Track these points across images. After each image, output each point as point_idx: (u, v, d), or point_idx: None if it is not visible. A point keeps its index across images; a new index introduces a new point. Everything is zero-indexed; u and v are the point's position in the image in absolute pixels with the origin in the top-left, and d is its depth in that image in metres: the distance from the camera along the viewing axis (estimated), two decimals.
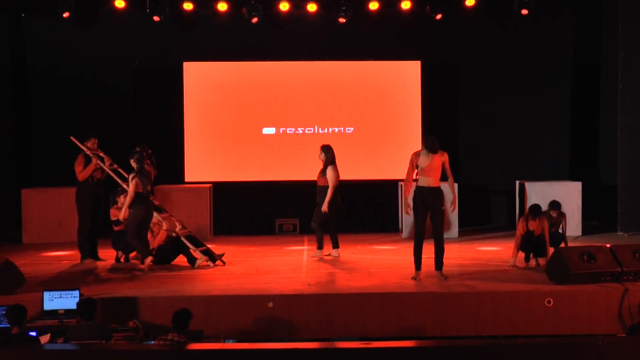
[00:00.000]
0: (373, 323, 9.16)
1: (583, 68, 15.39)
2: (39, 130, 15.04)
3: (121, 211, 11.00)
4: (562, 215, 11.32)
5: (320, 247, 11.90)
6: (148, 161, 11.98)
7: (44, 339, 8.14)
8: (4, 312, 8.33)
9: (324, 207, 11.63)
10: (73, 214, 11.88)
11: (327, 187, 11.66)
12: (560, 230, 11.31)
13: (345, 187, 15.00)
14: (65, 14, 14.10)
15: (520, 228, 10.85)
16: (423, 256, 10.20)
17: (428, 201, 10.08)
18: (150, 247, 11.32)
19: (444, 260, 10.29)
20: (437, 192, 10.10)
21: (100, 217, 11.70)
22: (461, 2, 14.51)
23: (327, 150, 11.82)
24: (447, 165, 10.15)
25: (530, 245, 10.86)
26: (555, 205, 11.31)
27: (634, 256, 9.69)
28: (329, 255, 11.92)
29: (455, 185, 10.64)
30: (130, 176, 10.75)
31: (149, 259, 10.82)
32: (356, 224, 14.96)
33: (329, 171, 11.67)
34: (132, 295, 9.25)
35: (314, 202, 15.19)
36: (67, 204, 13.20)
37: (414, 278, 10.07)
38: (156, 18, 14.17)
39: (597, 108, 15.26)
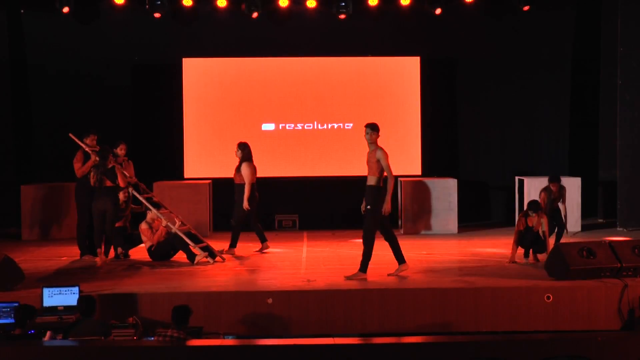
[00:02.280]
0: (373, 319, 9.15)
1: (582, 63, 15.38)
2: (38, 126, 15.03)
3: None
4: (562, 189, 11.40)
5: (233, 246, 11.86)
6: (126, 159, 11.95)
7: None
8: (6, 309, 8.36)
9: (245, 205, 11.56)
10: (72, 210, 11.90)
11: (243, 184, 11.61)
12: (560, 205, 11.43)
13: (344, 183, 15.08)
14: (65, 9, 14.07)
15: (519, 224, 10.86)
16: (422, 252, 10.18)
17: (364, 198, 9.94)
18: (150, 244, 11.34)
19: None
20: (367, 189, 9.85)
21: None
22: None
23: (243, 147, 11.77)
24: (383, 162, 9.76)
25: (529, 241, 10.86)
26: (554, 178, 11.38)
27: (633, 252, 9.67)
28: (260, 251, 11.92)
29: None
30: None
31: (103, 257, 11.15)
32: (355, 220, 14.89)
33: (244, 168, 11.63)
34: (131, 291, 9.24)
35: (314, 198, 15.23)
36: (66, 200, 13.22)
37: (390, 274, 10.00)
38: (157, 13, 14.15)
39: (597, 103, 15.25)
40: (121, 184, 11.19)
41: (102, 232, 11.12)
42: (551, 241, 10.84)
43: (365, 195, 9.88)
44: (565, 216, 11.63)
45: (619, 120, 14.20)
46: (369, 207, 9.78)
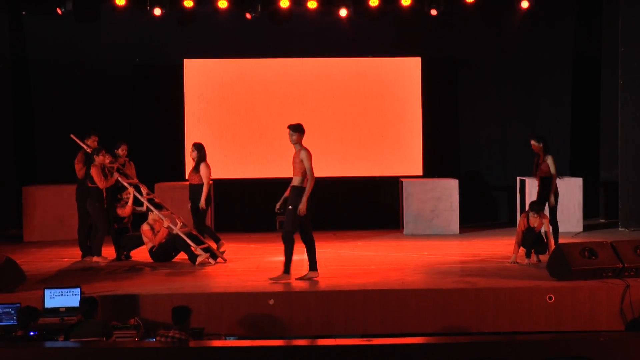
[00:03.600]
0: (374, 320, 9.15)
1: (583, 63, 15.36)
2: (40, 127, 15.03)
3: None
4: (547, 154, 11.43)
5: (217, 240, 11.82)
6: (127, 159, 11.99)
7: None
8: (8, 310, 8.37)
9: (202, 204, 11.50)
10: (74, 211, 11.89)
11: (200, 184, 11.55)
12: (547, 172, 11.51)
13: (345, 184, 15.10)
14: (59, 11, 14.06)
15: (521, 224, 10.85)
16: (424, 252, 10.17)
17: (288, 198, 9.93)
18: (152, 245, 11.34)
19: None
20: (291, 190, 9.85)
21: None
22: None
23: (199, 148, 11.73)
24: (306, 163, 9.72)
25: (531, 241, 10.85)
26: (532, 135, 11.66)
27: (635, 252, 9.66)
28: (218, 249, 11.65)
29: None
30: None
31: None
32: (357, 221, 14.95)
33: (203, 168, 11.61)
34: (133, 292, 9.24)
35: (315, 199, 15.20)
36: (68, 201, 13.17)
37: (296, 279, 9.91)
38: (158, 13, 14.16)
39: (598, 103, 15.24)
40: (99, 185, 11.18)
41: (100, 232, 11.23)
42: (554, 242, 10.82)
43: (289, 195, 9.87)
44: (556, 193, 11.46)
45: (620, 120, 14.19)
46: (290, 207, 9.80)
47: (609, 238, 10.52)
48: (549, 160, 11.44)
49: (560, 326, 9.11)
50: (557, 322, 9.15)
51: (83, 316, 7.97)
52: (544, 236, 10.87)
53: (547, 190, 11.42)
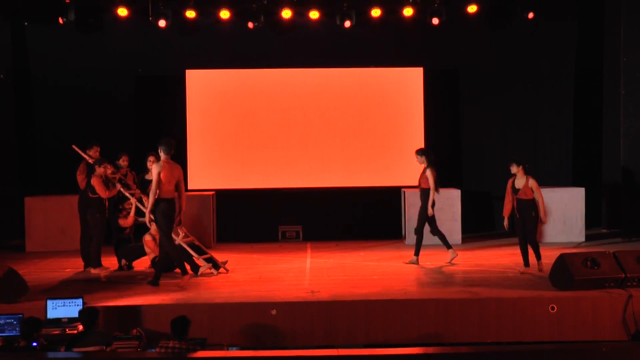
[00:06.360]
0: (377, 330, 9.15)
1: (585, 73, 15.36)
2: (42, 138, 15.05)
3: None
4: (427, 167, 11.68)
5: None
6: (129, 170, 12.02)
7: None
8: (10, 320, 8.37)
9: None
10: (76, 222, 11.90)
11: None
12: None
13: (348, 194, 15.09)
14: (60, 21, 14.09)
15: (508, 187, 11.16)
16: (426, 262, 10.18)
17: None
18: (154, 255, 11.34)
19: None
20: None
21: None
22: (463, 8, 14.50)
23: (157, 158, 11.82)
24: (153, 178, 10.46)
25: (524, 244, 10.95)
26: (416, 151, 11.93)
27: (637, 262, 9.66)
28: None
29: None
30: None
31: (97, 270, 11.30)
32: (359, 231, 14.94)
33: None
34: (135, 303, 9.25)
35: (318, 209, 15.14)
36: (70, 212, 13.19)
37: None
38: (161, 24, 14.18)
39: (600, 113, 15.24)
40: (102, 195, 11.21)
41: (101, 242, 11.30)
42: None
43: None
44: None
45: (622, 130, 14.19)
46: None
47: (611, 248, 10.52)
48: (428, 173, 11.74)
49: (562, 336, 9.11)
50: (559, 332, 9.14)
51: (84, 327, 7.96)
52: (535, 203, 10.96)
53: (426, 202, 11.76)
